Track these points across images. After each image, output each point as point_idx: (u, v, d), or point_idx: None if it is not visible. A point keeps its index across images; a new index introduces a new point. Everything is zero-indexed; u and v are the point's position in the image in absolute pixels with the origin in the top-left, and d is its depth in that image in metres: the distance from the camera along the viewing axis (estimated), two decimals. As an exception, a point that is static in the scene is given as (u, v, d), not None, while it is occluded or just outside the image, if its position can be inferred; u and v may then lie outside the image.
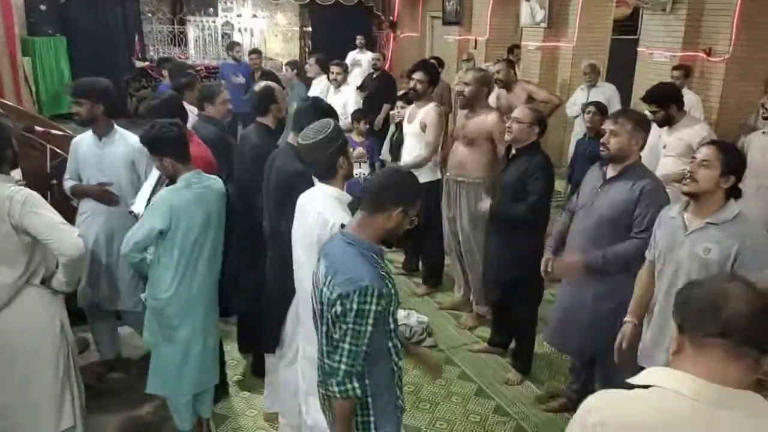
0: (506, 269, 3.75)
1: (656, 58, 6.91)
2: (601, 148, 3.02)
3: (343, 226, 2.19)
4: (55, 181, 3.71)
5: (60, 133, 3.92)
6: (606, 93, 6.69)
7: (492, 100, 5.76)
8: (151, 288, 2.90)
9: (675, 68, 6.25)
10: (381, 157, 5.82)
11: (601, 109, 4.93)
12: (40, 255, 2.58)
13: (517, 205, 3.63)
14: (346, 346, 1.93)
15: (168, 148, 2.78)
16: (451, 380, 3.89)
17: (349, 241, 2.03)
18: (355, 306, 1.89)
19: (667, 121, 3.97)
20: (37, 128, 3.74)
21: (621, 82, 7.42)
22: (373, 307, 1.91)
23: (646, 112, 3.94)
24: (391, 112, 7.64)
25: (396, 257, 5.65)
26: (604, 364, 3.17)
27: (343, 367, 1.94)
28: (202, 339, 2.99)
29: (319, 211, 2.44)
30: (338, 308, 1.92)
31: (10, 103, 5.02)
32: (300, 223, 2.60)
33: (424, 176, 4.77)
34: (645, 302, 2.79)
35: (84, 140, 3.57)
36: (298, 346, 2.90)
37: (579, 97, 6.97)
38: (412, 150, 4.84)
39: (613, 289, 3.05)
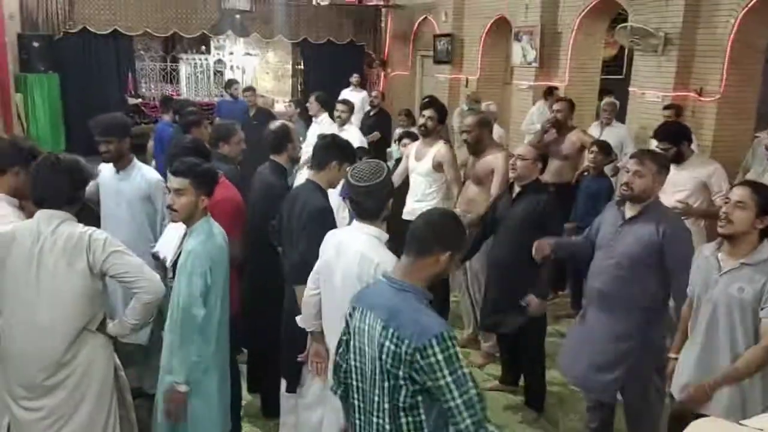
0: (509, 304, 3.74)
1: (648, 98, 7.07)
2: (623, 188, 3.07)
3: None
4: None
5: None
6: (620, 134, 6.58)
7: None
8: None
9: (666, 107, 6.39)
10: None
11: (603, 148, 5.01)
12: (101, 300, 2.49)
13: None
14: (458, 400, 1.81)
15: (210, 189, 2.73)
16: (465, 419, 3.86)
17: (402, 288, 1.95)
18: (440, 356, 1.80)
19: (678, 159, 4.06)
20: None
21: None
22: (456, 349, 1.83)
23: (654, 149, 4.04)
24: (388, 150, 7.74)
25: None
26: (630, 403, 3.18)
27: (468, 421, 1.82)
28: (226, 384, 2.91)
29: (362, 251, 2.44)
30: (420, 363, 1.82)
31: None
32: (335, 261, 2.57)
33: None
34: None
35: (105, 169, 3.70)
36: (320, 387, 2.89)
37: (592, 134, 6.91)
38: (420, 187, 4.87)
39: (634, 327, 3.06)
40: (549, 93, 8.08)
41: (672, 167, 4.13)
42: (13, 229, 2.39)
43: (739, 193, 2.53)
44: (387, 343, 1.88)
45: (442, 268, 1.99)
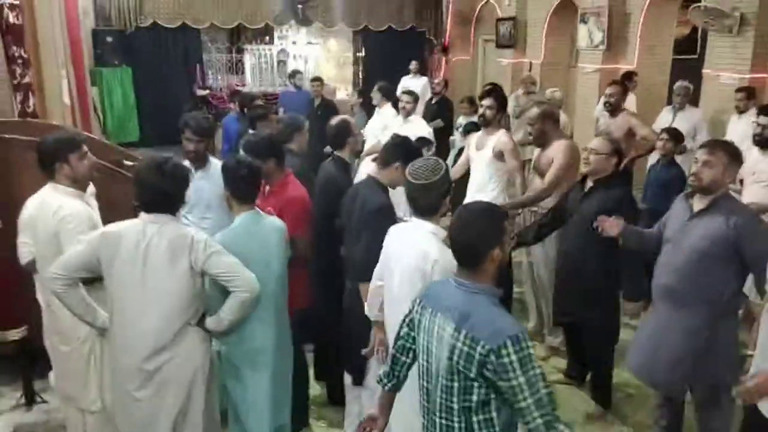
0: (580, 300, 3.68)
1: (723, 80, 6.77)
2: (691, 179, 2.96)
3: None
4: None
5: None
6: (693, 118, 6.41)
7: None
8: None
9: (738, 90, 6.12)
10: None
11: (674, 135, 4.84)
12: (201, 297, 2.62)
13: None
14: (530, 399, 1.84)
15: (234, 189, 2.85)
16: (529, 412, 3.84)
17: (474, 290, 1.97)
18: (514, 357, 1.82)
19: None
20: (126, 162, 3.89)
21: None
22: (530, 351, 1.85)
23: (754, 125, 3.90)
24: (451, 138, 7.68)
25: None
26: (700, 401, 3.10)
27: (540, 420, 1.84)
28: (276, 378, 2.96)
29: (420, 247, 2.50)
30: (494, 364, 1.84)
31: (99, 139, 5.23)
32: (395, 256, 2.64)
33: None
34: None
35: None
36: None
37: (664, 119, 6.65)
38: (480, 177, 4.83)
39: (703, 322, 2.97)
40: (628, 78, 7.76)
41: (758, 153, 3.95)
42: (120, 229, 2.51)
43: None
44: (458, 344, 1.91)
45: (499, 260, 1.99)
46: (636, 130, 5.46)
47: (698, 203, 3.01)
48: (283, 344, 3.05)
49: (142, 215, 2.53)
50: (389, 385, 2.30)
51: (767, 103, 4.29)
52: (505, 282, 5.00)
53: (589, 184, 3.68)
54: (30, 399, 3.79)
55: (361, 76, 13.29)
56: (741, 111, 6.00)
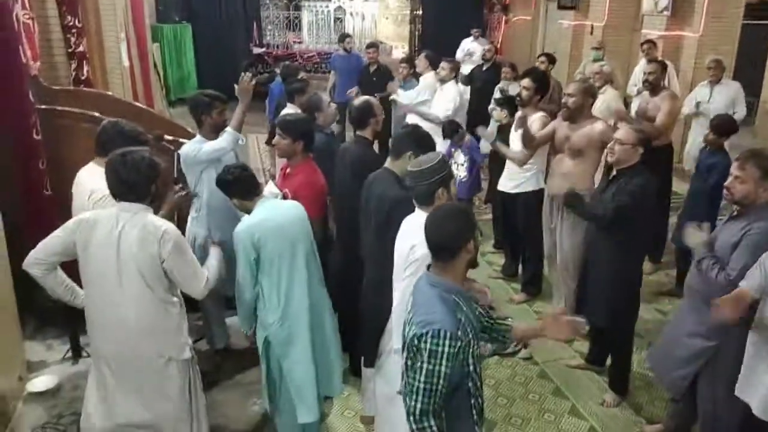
0: (602, 289, 3.68)
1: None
2: (725, 192, 2.92)
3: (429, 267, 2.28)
4: (180, 185, 4.03)
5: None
6: (730, 92, 6.32)
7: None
8: (260, 316, 3.08)
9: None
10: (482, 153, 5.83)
11: (719, 131, 4.59)
12: (172, 288, 2.76)
13: (596, 204, 3.67)
14: (420, 384, 2.03)
15: (230, 190, 3.06)
16: (544, 396, 3.90)
17: (432, 282, 2.14)
18: (427, 346, 2.00)
19: None
20: (166, 137, 4.05)
21: (751, 73, 6.90)
22: (446, 349, 2.00)
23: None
24: (489, 107, 7.50)
25: (496, 260, 5.66)
26: (700, 405, 3.09)
27: (418, 405, 2.04)
28: (317, 349, 3.15)
29: (406, 234, 2.64)
30: (414, 348, 2.05)
31: (146, 107, 5.42)
32: (397, 246, 2.76)
33: (526, 185, 4.77)
34: None
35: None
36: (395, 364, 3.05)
37: (700, 93, 6.54)
38: (516, 156, 4.81)
39: (713, 328, 2.90)
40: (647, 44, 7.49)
41: None
42: (96, 216, 2.66)
43: None
44: (406, 327, 2.15)
45: (467, 257, 2.14)
46: (658, 116, 5.23)
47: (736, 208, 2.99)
48: (321, 314, 3.24)
49: (117, 204, 2.66)
50: None
51: None
52: (536, 260, 5.03)
53: (614, 173, 3.63)
54: (77, 353, 4.10)
55: (417, 35, 13.09)
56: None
